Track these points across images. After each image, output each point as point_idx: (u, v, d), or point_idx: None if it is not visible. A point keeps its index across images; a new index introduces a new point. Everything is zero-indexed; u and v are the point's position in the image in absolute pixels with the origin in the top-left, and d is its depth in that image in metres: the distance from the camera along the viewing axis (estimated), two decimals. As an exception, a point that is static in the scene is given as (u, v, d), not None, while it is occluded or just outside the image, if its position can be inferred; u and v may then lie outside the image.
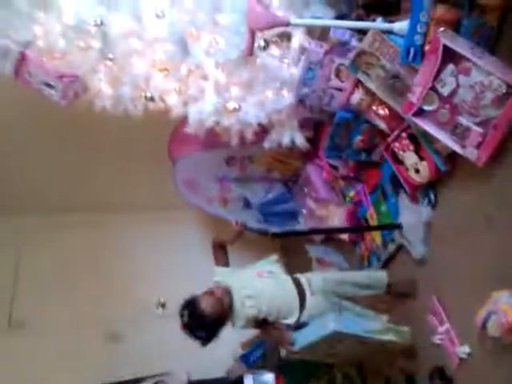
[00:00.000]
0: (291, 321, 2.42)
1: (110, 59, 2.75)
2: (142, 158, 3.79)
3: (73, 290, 3.93)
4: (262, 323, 2.46)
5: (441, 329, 2.33)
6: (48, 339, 3.73)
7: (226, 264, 2.43)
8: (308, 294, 2.44)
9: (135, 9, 2.62)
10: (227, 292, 2.32)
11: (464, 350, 2.20)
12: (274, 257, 2.55)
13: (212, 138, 3.15)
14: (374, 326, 2.39)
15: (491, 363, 2.05)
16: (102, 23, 2.59)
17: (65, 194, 4.04)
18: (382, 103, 2.44)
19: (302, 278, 2.51)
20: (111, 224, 4.29)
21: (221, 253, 2.44)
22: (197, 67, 2.78)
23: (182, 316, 2.26)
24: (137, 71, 2.76)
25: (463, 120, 1.96)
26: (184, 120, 2.96)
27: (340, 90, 2.67)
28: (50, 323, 3.82)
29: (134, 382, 3.70)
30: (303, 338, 2.37)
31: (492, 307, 1.91)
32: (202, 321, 2.23)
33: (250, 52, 2.28)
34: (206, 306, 2.23)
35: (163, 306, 3.95)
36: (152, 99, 2.82)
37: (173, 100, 2.88)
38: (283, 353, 2.50)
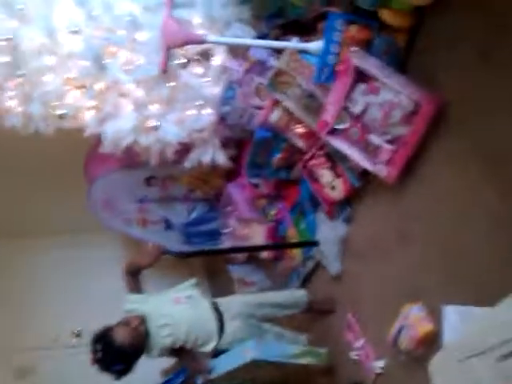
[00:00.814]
0: (209, 348, 2.36)
1: (21, 75, 2.61)
2: (57, 179, 3.61)
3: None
4: (178, 351, 2.38)
5: (357, 344, 2.36)
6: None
7: (139, 291, 2.30)
8: (227, 319, 2.40)
9: (48, 23, 2.50)
10: (143, 321, 2.21)
11: (379, 364, 2.24)
12: (193, 280, 2.48)
13: (131, 158, 3.08)
14: (293, 350, 2.40)
15: (405, 375, 2.09)
16: (12, 37, 2.46)
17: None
18: (300, 122, 2.48)
19: (222, 302, 2.47)
20: (21, 249, 4.04)
21: (133, 279, 2.30)
22: (114, 84, 2.71)
23: (95, 351, 2.13)
24: (49, 88, 2.63)
25: (374, 138, 2.03)
26: (101, 139, 2.87)
27: (260, 108, 2.70)
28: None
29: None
30: (221, 366, 2.35)
31: (402, 322, 1.97)
32: (118, 354, 2.12)
33: (165, 68, 2.24)
34: (122, 338, 2.11)
35: (78, 335, 3.76)
36: (63, 117, 2.69)
37: (88, 118, 2.78)
38: (200, 381, 2.41)
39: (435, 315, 1.86)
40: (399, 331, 1.99)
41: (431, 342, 1.87)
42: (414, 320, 1.93)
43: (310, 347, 2.52)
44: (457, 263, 1.82)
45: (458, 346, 1.37)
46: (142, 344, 2.20)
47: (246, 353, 2.24)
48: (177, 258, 2.40)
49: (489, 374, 1.20)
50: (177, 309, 2.33)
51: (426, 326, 1.89)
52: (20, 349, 3.72)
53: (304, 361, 2.41)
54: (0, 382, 3.63)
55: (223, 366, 2.34)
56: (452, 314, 1.75)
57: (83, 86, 2.74)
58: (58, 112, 2.71)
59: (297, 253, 2.95)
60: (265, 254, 3.23)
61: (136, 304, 2.28)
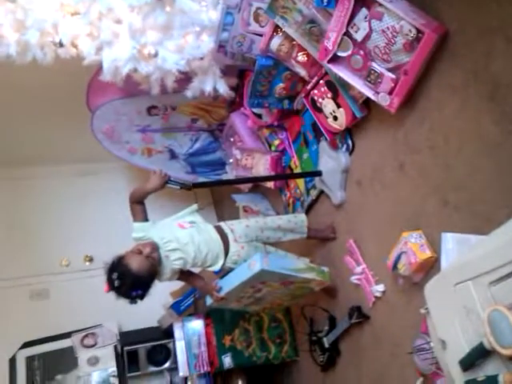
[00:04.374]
0: (217, 268, 2.45)
1: (12, 1, 2.51)
2: (60, 109, 3.58)
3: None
4: (187, 274, 2.48)
5: (357, 269, 2.43)
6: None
7: (145, 218, 2.34)
8: (231, 240, 2.46)
9: None
10: (155, 248, 2.26)
11: (379, 288, 2.32)
12: (194, 206, 2.51)
13: (131, 86, 3.03)
14: (298, 265, 2.45)
15: (403, 300, 2.16)
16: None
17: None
18: (301, 49, 2.40)
19: (225, 225, 2.52)
20: (32, 177, 4.11)
21: (139, 207, 2.32)
22: (109, 10, 2.61)
23: (111, 280, 2.18)
24: (43, 14, 2.54)
25: (376, 66, 1.97)
26: (100, 68, 2.81)
27: (260, 35, 2.61)
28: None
29: (63, 336, 3.67)
30: (229, 283, 2.41)
31: (402, 247, 2.00)
32: (135, 282, 2.18)
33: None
34: (138, 266, 2.16)
35: (91, 260, 3.89)
36: (61, 45, 2.62)
37: (85, 46, 2.71)
38: (210, 301, 2.51)
39: (434, 243, 1.90)
40: (399, 256, 2.04)
41: (430, 268, 1.93)
42: (413, 246, 1.97)
43: (313, 264, 2.58)
44: (456, 193, 1.83)
45: (454, 271, 1.41)
46: (154, 271, 2.26)
47: (252, 266, 2.28)
48: (183, 188, 2.41)
49: (480, 296, 1.25)
50: (182, 233, 2.38)
51: (425, 253, 1.93)
52: (34, 273, 3.87)
53: (310, 275, 2.45)
54: (17, 304, 3.80)
55: (232, 281, 2.39)
56: (450, 241, 1.79)
57: (77, 13, 2.65)
58: (55, 39, 2.64)
59: (300, 183, 2.97)
60: (269, 184, 3.26)
61: (142, 232, 2.32)
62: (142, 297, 2.24)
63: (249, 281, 2.33)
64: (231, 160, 3.54)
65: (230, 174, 3.64)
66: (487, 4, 1.62)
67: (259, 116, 3.13)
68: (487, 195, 1.69)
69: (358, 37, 1.96)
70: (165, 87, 2.95)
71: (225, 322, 3.21)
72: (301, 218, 2.69)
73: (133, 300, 2.24)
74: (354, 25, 1.95)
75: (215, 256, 2.43)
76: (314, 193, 2.83)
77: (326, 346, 2.67)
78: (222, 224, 2.54)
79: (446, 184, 1.87)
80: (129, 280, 2.17)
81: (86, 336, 3.62)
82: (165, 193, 2.50)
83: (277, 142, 3.15)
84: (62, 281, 3.91)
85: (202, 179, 3.73)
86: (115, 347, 3.63)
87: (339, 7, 1.94)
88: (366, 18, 1.90)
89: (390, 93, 1.96)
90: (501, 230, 1.30)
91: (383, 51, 1.92)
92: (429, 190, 1.97)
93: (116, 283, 2.17)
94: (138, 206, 2.33)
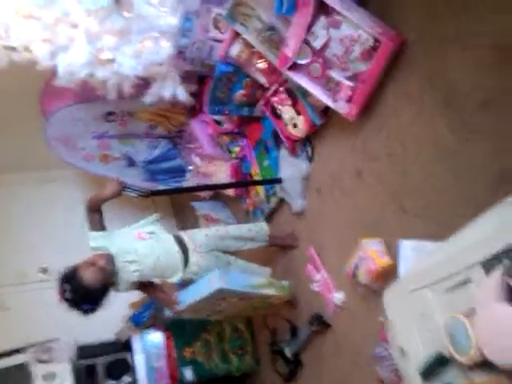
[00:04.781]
0: (175, 279, 2.40)
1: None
2: (15, 115, 3.45)
3: None
4: (145, 285, 2.42)
5: (317, 277, 2.43)
6: None
7: (102, 228, 2.28)
8: (191, 250, 2.42)
9: None
10: (110, 260, 2.21)
11: (339, 296, 2.32)
12: (154, 216, 2.47)
13: (87, 92, 2.95)
14: (257, 281, 2.44)
15: (364, 308, 2.17)
16: None
17: None
18: (261, 56, 2.39)
19: (185, 235, 2.48)
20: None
21: (95, 215, 2.26)
22: (65, 15, 2.54)
23: (63, 291, 2.12)
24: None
25: (334, 74, 1.98)
26: (55, 72, 2.72)
27: (220, 41, 2.58)
28: None
29: (17, 351, 3.51)
30: (189, 297, 2.37)
31: (361, 254, 2.01)
32: (86, 294, 2.12)
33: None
34: (90, 278, 2.11)
35: (45, 271, 3.76)
36: (14, 49, 2.52)
37: (40, 50, 2.62)
38: (169, 313, 2.46)
39: (393, 250, 1.92)
40: (358, 264, 2.05)
41: (389, 276, 1.93)
42: (372, 254, 1.98)
43: (273, 279, 2.58)
44: (413, 200, 1.86)
45: (411, 277, 1.42)
46: (109, 282, 2.21)
47: (211, 282, 2.26)
48: (140, 196, 2.36)
49: (437, 303, 1.25)
50: (141, 244, 2.33)
51: (383, 260, 1.94)
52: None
53: (268, 291, 2.45)
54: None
55: (191, 295, 2.37)
56: (407, 248, 1.81)
57: (31, 16, 2.56)
58: (8, 44, 2.54)
59: (260, 190, 2.96)
60: (229, 192, 3.23)
61: (100, 240, 2.26)
62: (92, 310, 2.18)
63: (208, 297, 2.31)
64: (191, 167, 3.50)
65: (190, 181, 3.59)
66: (444, 14, 1.65)
67: (219, 123, 3.10)
68: (444, 202, 1.72)
69: (317, 45, 1.97)
70: (122, 93, 2.88)
71: (185, 333, 3.16)
72: (261, 226, 2.67)
73: (85, 313, 2.17)
74: (313, 33, 1.95)
75: (175, 267, 2.38)
76: (274, 200, 2.82)
77: (289, 356, 2.66)
78: (182, 233, 2.50)
79: (403, 191, 1.90)
80: (81, 293, 2.11)
81: (42, 350, 3.47)
82: (123, 201, 2.44)
83: (237, 149, 3.13)
84: (17, 292, 3.76)
85: (162, 187, 3.66)
86: (72, 362, 3.50)
87: (298, 15, 1.94)
88: (324, 26, 1.91)
89: (349, 101, 1.97)
90: (457, 237, 1.31)
91: (341, 60, 1.93)
92: (387, 196, 1.99)
93: (67, 295, 2.11)
94: (95, 214, 2.26)
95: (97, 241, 2.25)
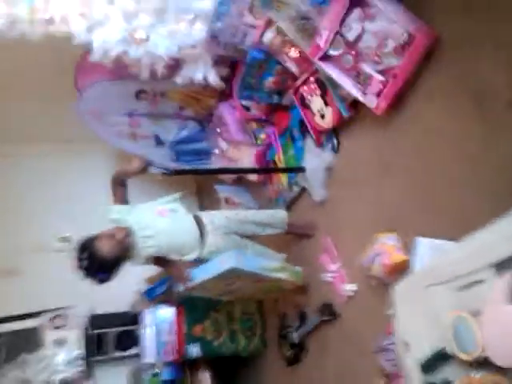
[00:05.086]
0: (191, 257, 2.44)
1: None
2: (48, 88, 3.52)
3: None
4: (161, 259, 2.47)
5: (332, 267, 2.45)
6: None
7: (125, 202, 2.33)
8: (209, 231, 2.46)
9: None
10: (128, 234, 2.27)
11: (352, 287, 2.34)
12: (178, 194, 2.51)
13: (120, 69, 3.00)
14: (272, 265, 2.46)
15: (374, 301, 2.18)
16: None
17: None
18: (294, 45, 2.40)
19: (204, 215, 2.52)
20: (16, 155, 4.04)
21: (120, 189, 2.32)
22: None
23: (80, 259, 2.19)
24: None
25: (366, 67, 1.98)
26: (90, 47, 2.78)
27: (254, 27, 2.60)
28: None
29: (33, 315, 3.63)
30: (202, 274, 2.41)
31: (378, 248, 2.02)
32: (102, 265, 2.19)
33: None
34: (107, 250, 2.17)
35: (68, 240, 3.85)
36: (51, 21, 2.58)
37: (76, 24, 2.67)
38: (181, 289, 2.51)
39: (409, 246, 1.92)
40: (373, 258, 2.06)
41: (402, 271, 1.92)
42: (388, 248, 1.99)
43: (287, 264, 2.60)
44: (436, 199, 1.85)
45: (426, 273, 1.42)
46: (125, 255, 2.27)
47: (225, 262, 2.30)
48: (165, 174, 2.41)
49: (448, 300, 1.26)
50: (160, 221, 2.38)
51: (399, 256, 1.95)
52: (11, 251, 3.82)
53: (282, 275, 2.48)
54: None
55: (203, 273, 2.41)
56: (423, 246, 1.82)
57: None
58: (45, 16, 2.60)
59: (283, 178, 2.98)
60: (253, 177, 3.26)
61: (120, 214, 2.32)
62: (107, 280, 2.24)
63: (220, 276, 2.35)
64: (217, 150, 3.53)
65: (215, 164, 3.63)
66: (477, 12, 1.63)
67: (248, 109, 3.12)
68: (466, 202, 1.71)
69: (350, 37, 1.96)
70: (154, 72, 2.93)
71: (196, 311, 3.21)
72: (281, 214, 2.70)
73: (99, 282, 2.24)
74: (347, 24, 1.95)
75: (192, 246, 2.42)
76: (296, 189, 2.84)
77: (295, 341, 2.69)
78: (202, 214, 2.54)
79: (426, 188, 1.90)
80: (97, 262, 2.17)
81: (56, 316, 3.58)
82: (150, 179, 2.48)
83: (263, 136, 3.14)
84: (35, 260, 3.86)
85: (187, 168, 3.71)
86: (84, 330, 3.60)
87: (333, 5, 1.95)
88: (358, 18, 1.91)
89: (379, 95, 1.96)
90: (474, 237, 1.31)
91: (374, 53, 1.92)
92: (409, 193, 1.99)
93: (84, 263, 2.17)
94: (120, 187, 2.33)
95: (117, 213, 2.32)
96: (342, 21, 1.95)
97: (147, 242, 2.32)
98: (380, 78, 1.95)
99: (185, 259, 2.44)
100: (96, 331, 3.48)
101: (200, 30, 2.69)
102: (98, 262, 2.18)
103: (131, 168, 2.32)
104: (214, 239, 2.45)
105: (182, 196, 2.55)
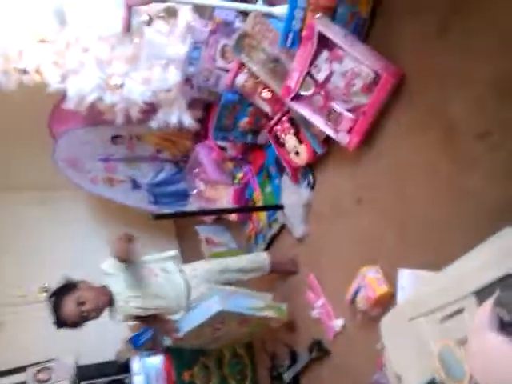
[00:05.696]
0: (177, 317, 2.41)
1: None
2: (23, 135, 3.52)
3: None
4: (144, 317, 2.41)
5: (317, 303, 2.45)
6: None
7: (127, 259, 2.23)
8: (192, 286, 2.44)
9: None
10: (105, 301, 2.23)
11: (339, 323, 2.34)
12: (172, 253, 2.51)
13: (95, 116, 3.03)
14: (256, 304, 2.45)
15: (362, 335, 2.19)
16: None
17: None
18: (266, 86, 2.47)
19: (188, 270, 2.49)
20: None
21: (127, 246, 2.18)
22: (76, 39, 2.63)
23: (49, 299, 2.21)
24: (8, 40, 2.54)
25: (336, 106, 2.04)
26: (64, 95, 2.81)
27: (226, 70, 2.67)
28: None
29: (16, 371, 3.51)
30: (188, 323, 2.39)
31: (360, 282, 2.05)
32: (60, 322, 2.18)
33: (127, 29, 2.18)
34: (67, 314, 2.15)
35: (47, 291, 3.77)
36: (25, 72, 2.61)
37: (50, 73, 2.70)
38: (168, 341, 2.47)
39: (391, 278, 1.95)
40: (356, 291, 2.08)
41: (387, 304, 1.95)
42: (370, 281, 2.01)
43: (272, 302, 2.58)
44: (413, 230, 1.89)
45: (408, 306, 1.44)
46: (85, 322, 2.21)
47: (211, 306, 2.28)
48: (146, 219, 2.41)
49: (432, 332, 1.28)
50: (150, 282, 2.34)
51: (382, 288, 1.97)
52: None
53: (267, 313, 2.46)
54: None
55: (190, 322, 2.37)
56: (406, 277, 1.84)
57: (44, 41, 2.65)
58: (19, 66, 2.63)
59: (262, 216, 3.00)
60: (232, 216, 3.27)
61: (112, 270, 2.26)
62: (75, 328, 2.21)
63: (207, 321, 2.33)
64: (195, 191, 3.55)
65: (193, 205, 3.64)
66: (444, 49, 1.72)
67: (224, 149, 3.17)
68: (444, 231, 1.76)
69: (320, 77, 2.03)
70: (129, 117, 2.96)
71: (184, 357, 3.15)
72: (262, 257, 2.70)
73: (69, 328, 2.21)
74: (316, 66, 2.02)
75: (178, 307, 2.40)
76: (275, 226, 2.86)
77: (287, 381, 2.66)
78: (186, 269, 2.51)
79: (403, 219, 1.94)
80: (55, 317, 2.17)
81: (41, 370, 3.47)
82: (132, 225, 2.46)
83: (240, 175, 3.18)
84: (16, 312, 3.76)
85: (166, 210, 3.71)
86: (71, 382, 3.49)
87: (302, 48, 2.02)
88: (327, 59, 1.98)
89: (349, 132, 2.03)
90: (452, 267, 1.34)
91: (343, 92, 1.99)
92: (386, 225, 2.03)
93: (50, 306, 2.18)
94: (127, 244, 2.19)
95: (110, 268, 2.27)
96: (312, 62, 2.02)
97: (132, 302, 2.27)
98: (350, 115, 2.02)
99: (170, 318, 2.41)
100: (84, 383, 3.38)
101: (174, 75, 2.75)
102: (55, 318, 2.17)
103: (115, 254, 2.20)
104: (198, 294, 2.42)
105: (176, 255, 2.53)
